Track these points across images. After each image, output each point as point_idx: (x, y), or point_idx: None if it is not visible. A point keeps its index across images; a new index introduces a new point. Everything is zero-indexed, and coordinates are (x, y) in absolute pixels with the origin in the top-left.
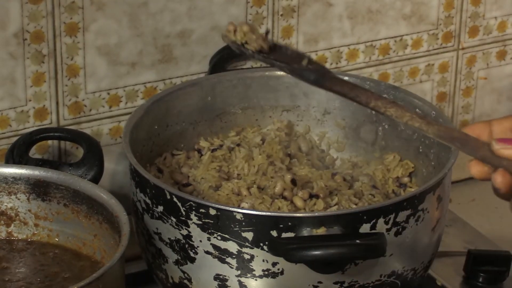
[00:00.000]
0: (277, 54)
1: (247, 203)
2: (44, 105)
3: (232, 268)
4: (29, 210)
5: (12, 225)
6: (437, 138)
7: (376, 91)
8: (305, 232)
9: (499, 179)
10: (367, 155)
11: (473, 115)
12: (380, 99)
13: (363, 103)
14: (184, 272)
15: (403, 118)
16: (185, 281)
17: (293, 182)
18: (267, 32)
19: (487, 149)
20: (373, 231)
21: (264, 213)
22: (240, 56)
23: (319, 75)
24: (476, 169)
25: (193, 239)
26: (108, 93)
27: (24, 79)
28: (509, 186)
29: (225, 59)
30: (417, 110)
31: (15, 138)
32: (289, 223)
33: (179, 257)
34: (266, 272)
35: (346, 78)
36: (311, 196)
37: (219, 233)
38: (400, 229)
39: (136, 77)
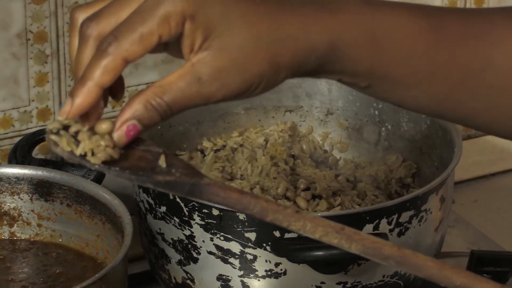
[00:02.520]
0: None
1: None
2: (47, 105)
3: (235, 268)
4: (32, 210)
5: (15, 225)
6: (364, 255)
7: None
8: None
9: None
10: (370, 156)
11: None
12: (281, 212)
13: (256, 216)
14: (187, 273)
15: (315, 233)
16: (188, 281)
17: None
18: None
19: (434, 267)
20: (376, 231)
21: None
22: None
23: (193, 186)
24: None
25: (196, 239)
26: None
27: (27, 79)
28: None
29: None
30: None
31: (18, 138)
32: None
33: (182, 258)
34: (269, 273)
35: None
36: (314, 197)
37: (222, 234)
38: (403, 230)
39: (139, 77)
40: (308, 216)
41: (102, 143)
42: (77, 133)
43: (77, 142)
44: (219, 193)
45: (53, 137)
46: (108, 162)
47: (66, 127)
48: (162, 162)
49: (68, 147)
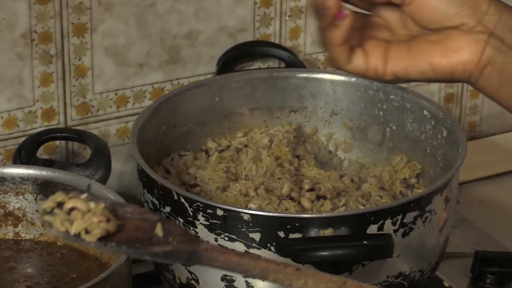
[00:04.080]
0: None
1: (254, 204)
2: (51, 106)
3: None
4: (37, 211)
5: (20, 225)
6: None
7: (384, 93)
8: (313, 233)
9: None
10: (375, 156)
11: (481, 116)
12: (281, 271)
13: (257, 277)
14: (191, 273)
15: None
16: (192, 281)
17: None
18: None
19: None
20: (380, 232)
21: (271, 214)
22: (248, 57)
23: (191, 253)
24: None
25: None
26: (116, 94)
27: (31, 80)
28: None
29: (232, 60)
30: (424, 111)
31: (22, 139)
32: (297, 224)
33: None
34: None
35: (353, 79)
36: (319, 197)
37: (226, 234)
38: (408, 230)
39: (143, 78)
40: (309, 273)
41: (95, 219)
42: (71, 209)
43: (72, 220)
44: (218, 257)
45: (46, 217)
46: (105, 237)
47: (60, 204)
48: (158, 230)
49: (62, 227)
